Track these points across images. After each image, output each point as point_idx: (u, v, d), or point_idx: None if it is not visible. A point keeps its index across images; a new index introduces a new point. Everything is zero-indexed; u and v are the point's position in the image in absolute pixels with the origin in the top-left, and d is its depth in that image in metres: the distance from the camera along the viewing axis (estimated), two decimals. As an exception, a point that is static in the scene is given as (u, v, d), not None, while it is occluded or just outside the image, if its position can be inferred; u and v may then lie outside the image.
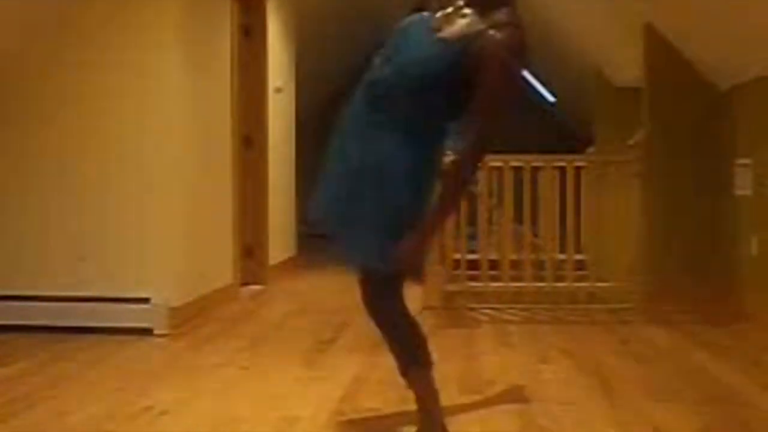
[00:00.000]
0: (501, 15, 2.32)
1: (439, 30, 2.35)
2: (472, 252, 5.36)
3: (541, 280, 5.29)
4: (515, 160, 5.22)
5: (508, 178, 5.23)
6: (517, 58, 2.33)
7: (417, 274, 2.43)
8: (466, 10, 2.35)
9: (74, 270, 4.45)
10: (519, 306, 5.21)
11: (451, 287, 5.28)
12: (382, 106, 2.40)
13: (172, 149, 4.53)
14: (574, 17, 6.84)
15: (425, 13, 2.45)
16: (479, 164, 2.52)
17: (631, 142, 5.75)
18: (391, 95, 2.38)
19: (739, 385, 3.42)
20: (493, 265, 5.28)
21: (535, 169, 5.28)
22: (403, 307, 2.54)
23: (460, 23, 2.32)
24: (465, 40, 2.29)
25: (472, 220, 5.30)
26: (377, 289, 2.52)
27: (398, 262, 2.36)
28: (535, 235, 5.50)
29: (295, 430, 2.82)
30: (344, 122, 2.52)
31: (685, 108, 5.33)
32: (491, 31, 2.28)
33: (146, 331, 4.33)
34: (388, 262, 2.38)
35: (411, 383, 2.59)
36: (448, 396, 3.04)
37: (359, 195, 2.40)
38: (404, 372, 2.58)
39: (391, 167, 2.37)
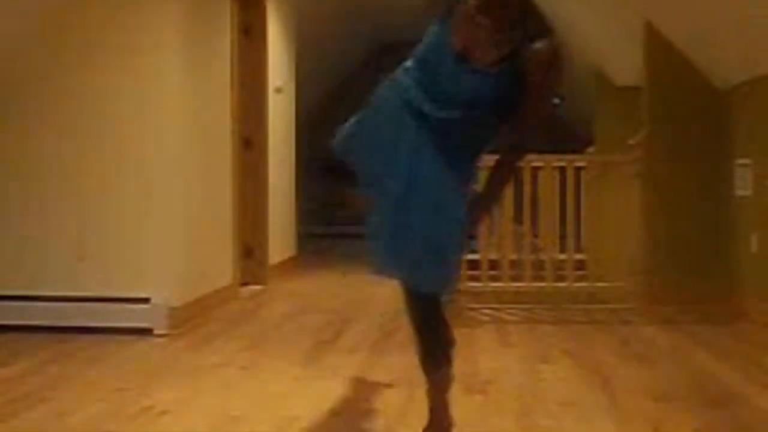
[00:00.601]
0: (533, 25, 2.33)
1: (466, 55, 2.32)
2: (473, 252, 5.35)
3: (541, 280, 5.28)
4: (515, 160, 5.20)
5: (508, 178, 5.21)
6: (561, 65, 2.38)
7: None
8: (481, 19, 2.32)
9: (74, 270, 4.45)
10: (519, 306, 5.21)
11: (451, 287, 5.26)
12: (431, 129, 2.40)
13: (172, 149, 4.53)
14: (573, 16, 6.84)
15: (439, 26, 2.40)
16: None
17: (631, 142, 5.74)
18: (441, 124, 2.39)
19: (739, 385, 3.42)
20: (493, 265, 5.27)
21: (535, 169, 5.27)
22: (441, 307, 2.55)
23: (494, 50, 2.30)
24: (505, 60, 2.30)
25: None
26: (425, 298, 2.52)
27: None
28: (535, 235, 5.50)
29: (295, 429, 2.82)
30: (382, 136, 2.49)
31: (685, 108, 5.33)
32: (533, 43, 2.29)
33: (146, 331, 4.33)
34: (449, 286, 2.50)
35: (430, 380, 2.58)
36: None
37: (417, 218, 2.40)
38: (428, 369, 2.57)
39: (443, 189, 2.42)
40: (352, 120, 2.68)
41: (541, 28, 2.35)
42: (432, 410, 2.60)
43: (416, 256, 2.41)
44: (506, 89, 2.33)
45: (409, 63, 2.50)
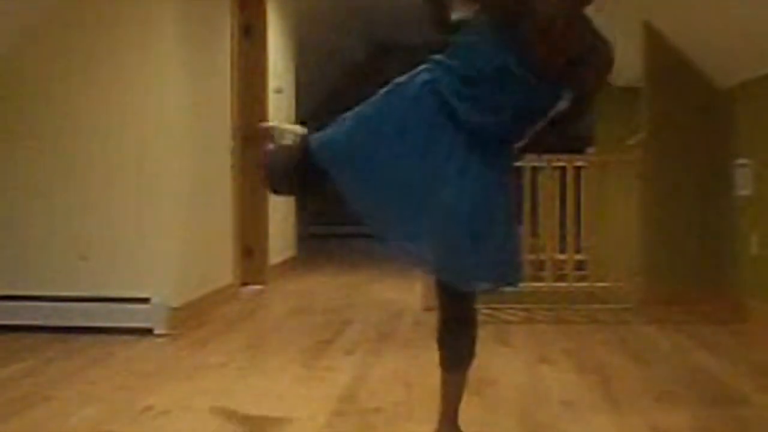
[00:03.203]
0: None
1: (530, 69, 2.29)
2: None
3: (541, 280, 5.28)
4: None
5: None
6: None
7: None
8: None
9: (75, 270, 4.45)
10: (519, 306, 5.21)
11: (451, 287, 5.26)
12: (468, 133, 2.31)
13: (172, 149, 4.53)
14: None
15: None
16: None
17: (631, 141, 5.75)
18: (510, 133, 2.41)
19: (739, 385, 3.42)
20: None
21: (535, 169, 5.27)
22: (473, 303, 2.60)
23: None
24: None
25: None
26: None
27: None
28: (536, 235, 5.50)
29: (295, 429, 2.82)
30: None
31: (685, 108, 5.33)
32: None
33: (146, 331, 4.33)
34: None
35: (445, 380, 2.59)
36: (448, 396, 3.05)
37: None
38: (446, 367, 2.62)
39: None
40: (349, 118, 2.39)
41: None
42: (444, 410, 2.58)
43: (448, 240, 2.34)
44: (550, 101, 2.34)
45: (443, 58, 2.34)
